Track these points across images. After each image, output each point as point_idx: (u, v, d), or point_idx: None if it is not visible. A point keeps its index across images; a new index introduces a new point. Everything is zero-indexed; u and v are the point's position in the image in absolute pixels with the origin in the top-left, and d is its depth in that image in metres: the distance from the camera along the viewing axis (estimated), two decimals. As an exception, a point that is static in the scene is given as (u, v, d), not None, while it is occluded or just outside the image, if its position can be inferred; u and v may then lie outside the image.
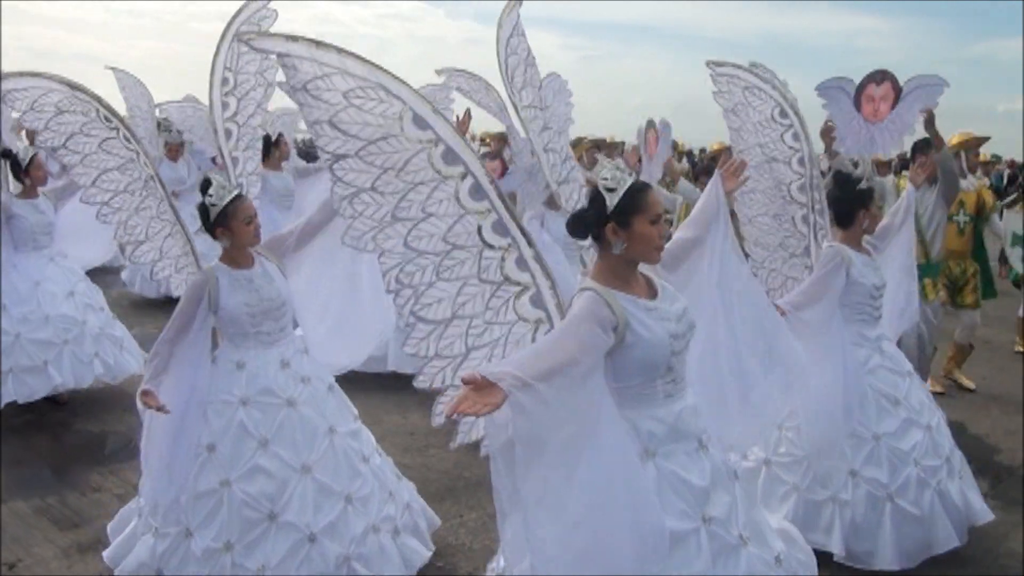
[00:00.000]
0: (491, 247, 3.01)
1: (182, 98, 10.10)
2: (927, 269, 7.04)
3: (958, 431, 6.92)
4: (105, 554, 4.22)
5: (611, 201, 2.93)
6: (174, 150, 10.65)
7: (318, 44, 2.80)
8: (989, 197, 8.17)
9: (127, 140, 4.27)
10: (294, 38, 2.79)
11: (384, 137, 2.89)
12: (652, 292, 3.07)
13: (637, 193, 2.96)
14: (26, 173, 6.51)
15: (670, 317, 2.98)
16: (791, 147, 4.85)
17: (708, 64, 4.91)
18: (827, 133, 6.52)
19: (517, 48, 3.68)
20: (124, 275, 10.61)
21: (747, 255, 5.01)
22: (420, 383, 3.18)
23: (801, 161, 4.85)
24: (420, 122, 2.91)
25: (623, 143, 14.46)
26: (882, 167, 10.26)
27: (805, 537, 4.45)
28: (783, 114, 4.81)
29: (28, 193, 6.55)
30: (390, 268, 3.01)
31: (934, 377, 7.97)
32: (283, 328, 4.22)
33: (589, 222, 3.01)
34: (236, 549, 3.86)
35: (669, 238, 3.25)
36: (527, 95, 4.01)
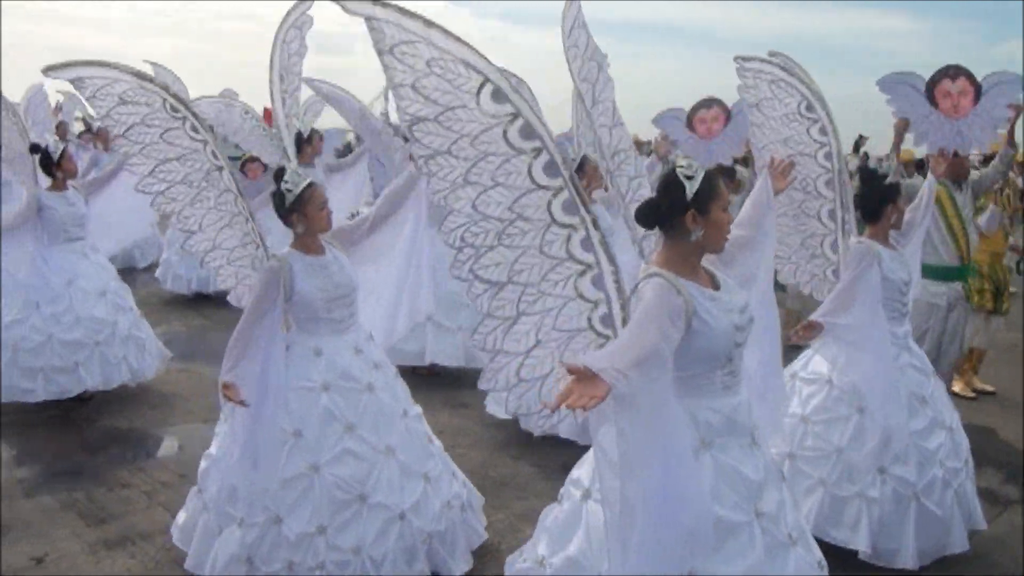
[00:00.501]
0: (558, 224, 3.03)
1: (218, 93, 10.12)
2: (963, 271, 6.95)
3: (987, 436, 6.88)
4: (187, 564, 4.20)
5: (690, 188, 2.94)
6: None
7: (405, 12, 2.85)
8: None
9: (194, 130, 4.28)
10: (384, 4, 2.84)
11: (462, 106, 2.94)
12: (715, 284, 3.07)
13: (713, 180, 2.99)
14: (57, 166, 6.54)
15: (733, 308, 2.99)
16: (817, 141, 4.79)
17: (736, 59, 4.88)
18: (901, 129, 6.39)
19: (577, 41, 3.72)
20: (158, 272, 10.69)
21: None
22: (485, 384, 3.18)
23: (828, 156, 4.78)
24: (499, 96, 2.93)
25: (649, 141, 14.52)
26: (909, 167, 10.19)
27: (829, 534, 4.48)
28: (809, 108, 4.75)
29: (58, 186, 6.58)
30: (457, 227, 3.04)
31: (963, 381, 7.89)
32: (353, 315, 4.32)
33: (665, 210, 3.00)
34: (329, 532, 3.94)
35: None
36: (584, 88, 4.03)
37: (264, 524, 3.96)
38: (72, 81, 4.14)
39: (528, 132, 2.97)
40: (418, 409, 4.52)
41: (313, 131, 9.07)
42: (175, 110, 4.23)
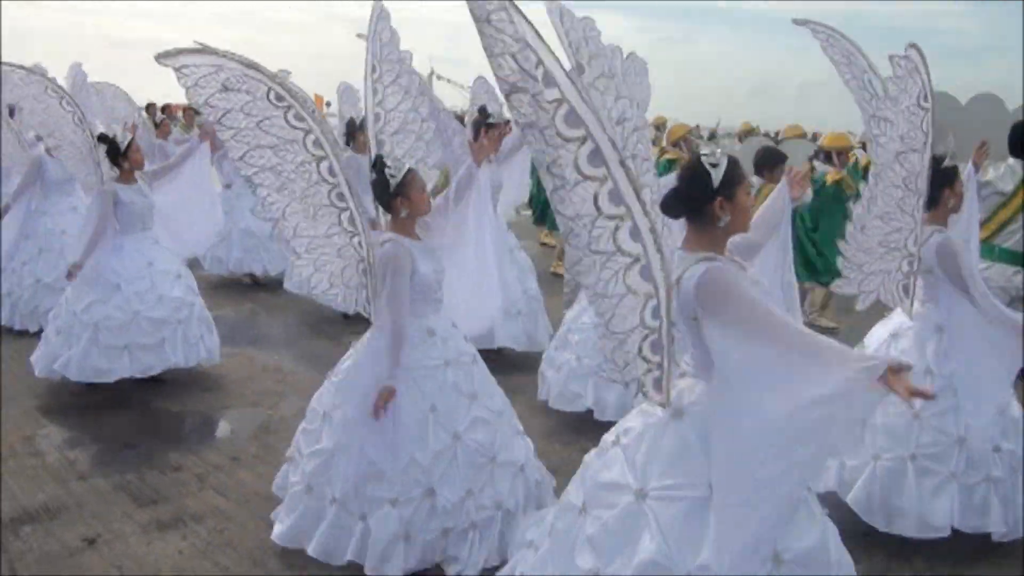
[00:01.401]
0: (605, 216, 2.89)
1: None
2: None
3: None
4: (313, 551, 4.17)
5: (716, 175, 2.97)
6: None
7: None
8: None
9: (298, 119, 4.22)
10: None
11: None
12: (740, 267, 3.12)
13: (736, 165, 3.02)
14: (124, 157, 6.55)
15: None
16: (925, 132, 4.57)
17: (795, 21, 4.80)
18: (981, 152, 6.13)
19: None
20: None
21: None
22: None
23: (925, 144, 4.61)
24: (549, 80, 2.78)
25: (697, 125, 14.37)
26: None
27: (972, 524, 4.47)
28: (926, 99, 4.53)
29: (126, 177, 6.59)
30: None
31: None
32: (442, 299, 4.50)
33: (694, 199, 3.01)
34: (474, 494, 4.19)
35: None
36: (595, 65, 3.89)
37: (420, 498, 4.10)
38: (176, 69, 4.12)
39: (573, 120, 2.80)
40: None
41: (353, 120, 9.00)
42: (279, 99, 4.19)
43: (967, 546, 4.49)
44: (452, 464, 4.16)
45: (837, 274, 5.10)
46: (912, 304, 4.73)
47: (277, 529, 4.34)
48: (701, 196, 2.99)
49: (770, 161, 7.71)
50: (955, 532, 4.46)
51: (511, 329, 7.32)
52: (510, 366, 6.71)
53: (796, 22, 4.81)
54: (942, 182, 4.66)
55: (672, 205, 3.06)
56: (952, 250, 4.57)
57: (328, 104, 17.90)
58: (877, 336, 4.97)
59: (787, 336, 2.65)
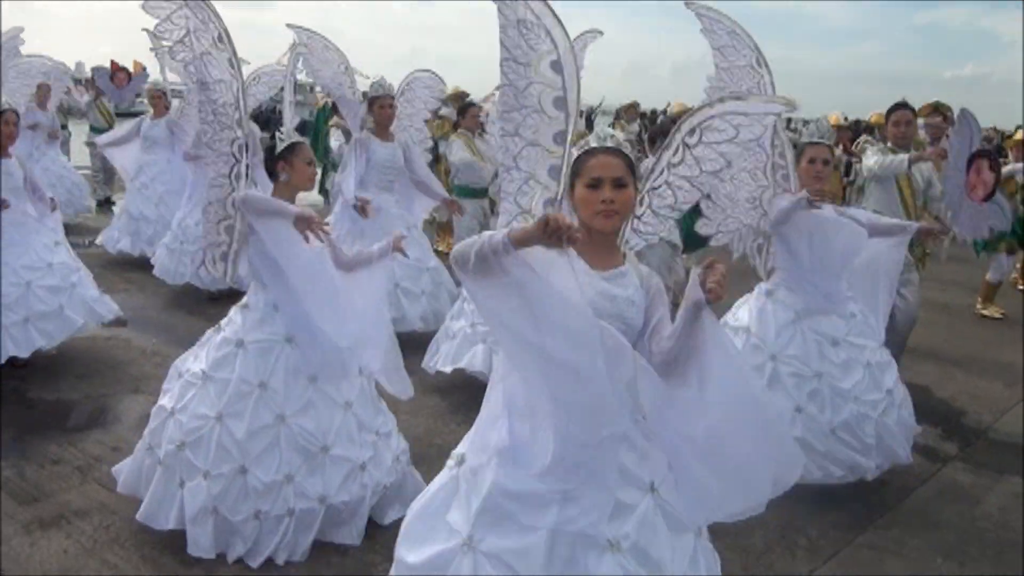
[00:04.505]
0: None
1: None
2: None
3: (923, 395, 7.00)
4: (140, 516, 4.19)
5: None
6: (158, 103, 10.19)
7: None
8: None
9: (231, 65, 4.41)
10: None
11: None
12: (609, 266, 2.87)
13: (579, 158, 2.90)
14: None
15: (604, 292, 2.79)
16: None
17: (688, 5, 4.92)
18: (940, 157, 6.43)
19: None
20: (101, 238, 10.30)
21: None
22: None
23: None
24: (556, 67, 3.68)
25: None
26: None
27: None
28: (760, 63, 4.85)
29: None
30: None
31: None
32: None
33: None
34: (294, 481, 4.09)
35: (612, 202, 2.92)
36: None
37: (229, 475, 4.05)
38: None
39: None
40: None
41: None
42: (221, 41, 4.38)
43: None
44: (272, 445, 4.09)
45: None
46: (766, 265, 5.07)
47: (120, 471, 4.49)
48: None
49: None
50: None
51: (417, 310, 7.35)
52: (417, 346, 6.63)
53: (688, 6, 4.91)
54: (799, 155, 5.04)
55: None
56: (780, 206, 4.93)
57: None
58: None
59: None
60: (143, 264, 9.43)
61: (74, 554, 4.16)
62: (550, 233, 2.31)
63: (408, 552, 2.86)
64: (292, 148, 4.32)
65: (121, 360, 6.90)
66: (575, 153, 2.93)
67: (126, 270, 9.75)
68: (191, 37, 4.36)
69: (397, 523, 3.49)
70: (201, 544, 4.07)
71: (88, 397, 6.14)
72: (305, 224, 4.12)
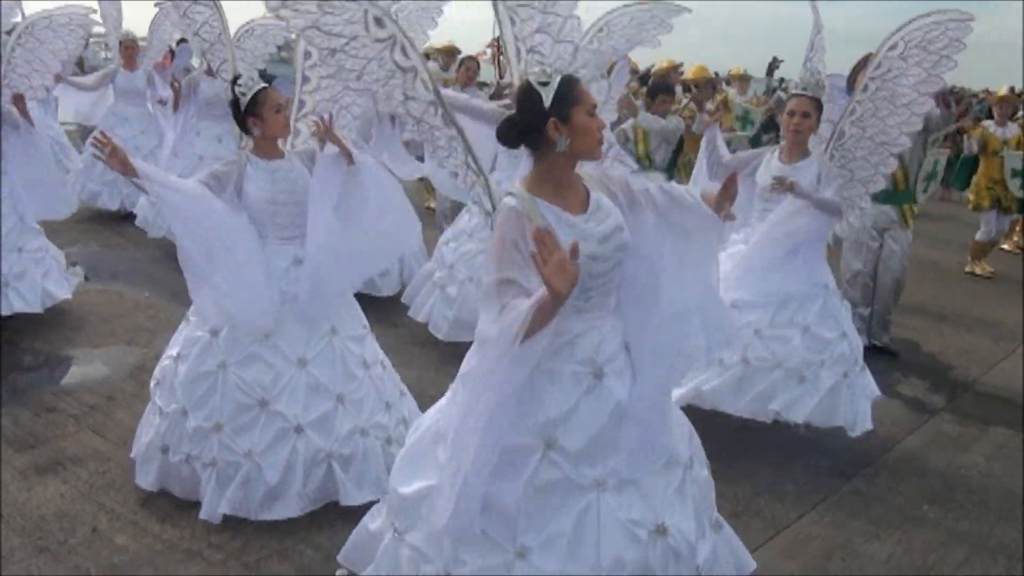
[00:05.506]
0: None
1: None
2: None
3: (912, 350, 7.07)
4: (133, 454, 4.37)
5: (547, 95, 2.68)
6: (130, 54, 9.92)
7: None
8: None
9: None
10: None
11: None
12: (585, 206, 2.78)
13: (571, 83, 2.73)
14: None
15: (591, 236, 2.69)
16: None
17: None
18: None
19: None
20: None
21: None
22: None
23: None
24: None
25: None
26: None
27: None
28: None
29: None
30: None
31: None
32: (300, 226, 4.24)
33: (525, 124, 2.75)
34: (223, 431, 4.03)
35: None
36: None
37: (174, 415, 4.11)
38: None
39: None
40: (359, 332, 4.44)
41: None
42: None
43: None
44: (210, 392, 4.07)
45: None
46: None
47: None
48: (530, 121, 2.73)
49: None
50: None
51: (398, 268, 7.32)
52: (393, 302, 6.67)
53: None
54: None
55: (503, 132, 2.79)
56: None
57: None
58: None
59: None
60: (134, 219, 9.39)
61: (71, 498, 4.20)
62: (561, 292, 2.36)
63: (399, 484, 2.97)
64: (256, 99, 4.13)
65: (115, 313, 6.90)
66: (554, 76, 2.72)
67: (119, 224, 9.70)
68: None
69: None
70: (148, 478, 4.19)
71: (82, 348, 6.16)
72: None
